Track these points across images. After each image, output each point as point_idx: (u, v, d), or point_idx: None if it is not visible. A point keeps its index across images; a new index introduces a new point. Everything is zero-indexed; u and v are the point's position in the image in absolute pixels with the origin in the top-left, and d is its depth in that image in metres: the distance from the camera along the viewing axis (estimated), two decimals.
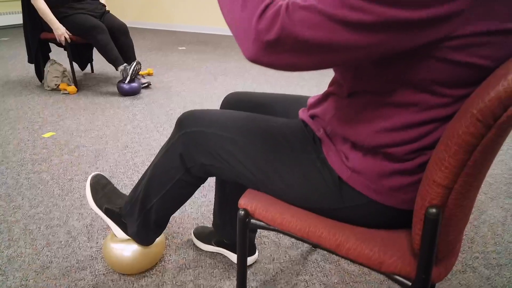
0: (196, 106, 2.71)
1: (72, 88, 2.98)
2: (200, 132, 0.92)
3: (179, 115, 2.42)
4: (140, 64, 2.89)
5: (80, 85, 3.20)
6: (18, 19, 5.90)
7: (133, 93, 2.93)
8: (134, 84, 2.92)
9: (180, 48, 4.72)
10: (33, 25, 2.97)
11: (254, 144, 0.85)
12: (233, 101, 1.14)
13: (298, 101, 1.06)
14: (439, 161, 0.60)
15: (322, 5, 0.57)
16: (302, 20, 0.58)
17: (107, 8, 3.15)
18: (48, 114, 2.56)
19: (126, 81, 2.87)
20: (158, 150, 1.30)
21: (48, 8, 2.82)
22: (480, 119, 0.53)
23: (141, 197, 1.05)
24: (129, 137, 2.22)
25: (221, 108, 1.16)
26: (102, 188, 1.20)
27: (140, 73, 3.43)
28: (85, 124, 2.39)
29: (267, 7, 0.61)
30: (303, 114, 0.89)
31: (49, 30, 2.92)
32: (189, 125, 0.95)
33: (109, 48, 2.86)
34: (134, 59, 3.09)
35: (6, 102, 2.76)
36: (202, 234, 1.34)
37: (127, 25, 6.45)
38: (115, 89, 3.08)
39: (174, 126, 2.33)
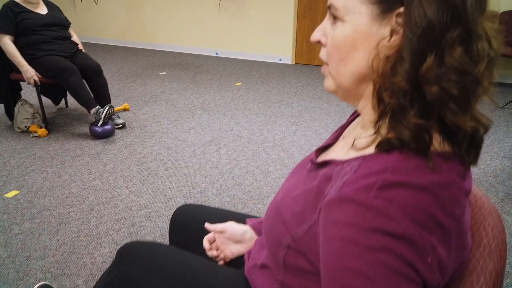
0: (169, 153, 2.65)
1: (43, 130, 2.89)
2: (137, 276, 0.87)
3: (151, 166, 2.37)
4: (113, 108, 2.82)
5: (52, 124, 3.11)
6: None
7: (106, 136, 2.86)
8: (107, 127, 2.84)
9: (161, 73, 4.64)
10: (1, 65, 2.88)
11: None
12: (183, 217, 1.09)
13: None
14: None
15: None
16: None
17: (80, 47, 3.06)
18: (15, 164, 2.47)
19: (99, 124, 2.79)
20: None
21: (16, 51, 2.74)
22: None
23: None
24: (95, 196, 2.15)
25: (171, 221, 1.10)
26: None
27: (116, 109, 3.35)
28: (51, 179, 2.31)
29: None
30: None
31: (19, 71, 2.83)
32: (129, 262, 0.90)
33: (80, 91, 2.78)
34: (108, 99, 3.02)
35: None
36: None
37: (111, 44, 6.34)
38: (88, 130, 3.00)
39: (142, 182, 2.29)
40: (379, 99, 0.54)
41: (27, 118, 2.95)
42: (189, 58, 5.50)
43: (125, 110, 3.42)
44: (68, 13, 6.47)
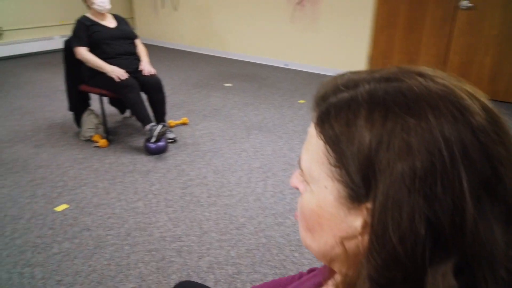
0: (216, 177, 2.58)
1: (104, 141, 3.01)
2: None
3: (195, 191, 2.32)
4: (167, 127, 2.84)
5: (113, 134, 3.24)
6: None
7: (159, 152, 2.89)
8: (161, 143, 2.87)
9: (226, 84, 4.64)
10: (73, 77, 3.06)
11: None
12: None
13: None
14: None
15: None
16: None
17: (144, 60, 3.10)
18: (72, 175, 2.60)
19: (151, 141, 2.83)
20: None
21: (95, 56, 2.84)
22: None
23: None
24: (135, 220, 2.15)
25: None
26: None
27: (175, 122, 3.39)
28: (100, 196, 2.38)
29: None
30: None
31: (88, 82, 2.98)
32: None
33: (138, 107, 2.84)
34: (164, 115, 3.06)
35: (39, 156, 2.86)
36: None
37: (186, 49, 6.55)
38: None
39: (182, 208, 2.25)
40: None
41: (91, 128, 3.10)
42: (257, 68, 5.44)
43: (183, 124, 3.45)
44: (150, 18, 6.83)
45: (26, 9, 5.88)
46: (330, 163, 0.38)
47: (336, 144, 0.37)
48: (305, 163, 0.41)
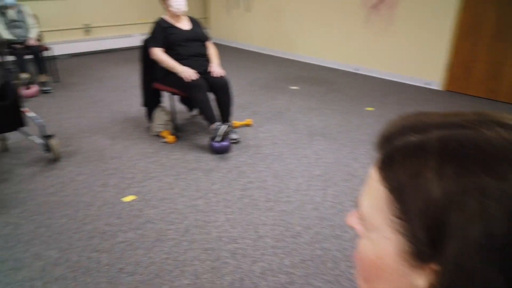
0: (275, 182, 2.58)
1: (172, 138, 3.15)
2: None
3: (253, 194, 2.33)
4: (231, 127, 2.89)
5: (181, 131, 3.37)
6: None
7: (222, 152, 2.95)
8: (225, 143, 2.93)
9: (292, 87, 4.62)
10: (148, 75, 3.23)
11: None
12: None
13: None
14: None
15: None
16: None
17: (215, 62, 3.19)
18: (140, 169, 2.75)
19: (216, 140, 2.90)
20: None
21: (168, 57, 2.99)
22: None
23: None
24: (194, 217, 2.22)
25: None
26: None
27: (239, 123, 3.45)
28: (164, 190, 2.49)
29: None
30: None
31: (161, 81, 3.14)
32: None
33: (205, 107, 2.93)
34: (229, 116, 3.11)
35: (113, 147, 3.06)
36: None
37: (257, 50, 6.63)
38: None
39: (240, 210, 2.27)
40: None
41: (161, 124, 3.25)
42: (326, 72, 5.34)
43: (247, 125, 3.49)
44: (223, 19, 7.02)
45: (110, 8, 6.35)
46: (392, 213, 0.34)
47: (400, 194, 0.34)
48: (365, 208, 0.37)
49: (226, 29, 7.04)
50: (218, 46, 3.50)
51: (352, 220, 0.42)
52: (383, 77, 5.11)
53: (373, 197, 0.36)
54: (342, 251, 1.96)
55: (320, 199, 2.40)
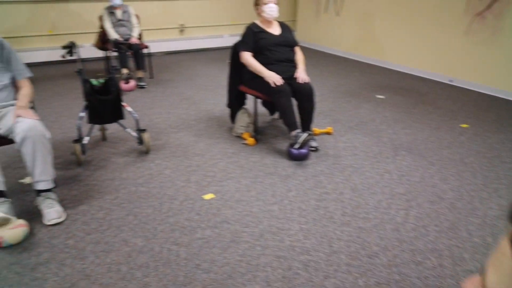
0: (353, 195, 2.49)
1: (252, 140, 3.21)
2: None
3: (329, 205, 2.29)
4: (312, 135, 2.86)
5: (261, 133, 3.43)
6: None
7: (301, 159, 2.94)
8: (304, 150, 2.92)
9: (378, 96, 4.43)
10: (235, 78, 3.34)
11: None
12: None
13: None
14: None
15: None
16: None
17: (300, 67, 3.18)
18: (220, 168, 2.85)
19: (295, 147, 2.89)
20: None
21: (256, 62, 3.07)
22: None
23: None
24: (269, 223, 2.24)
25: None
26: None
27: (319, 131, 3.41)
28: (241, 192, 2.55)
29: None
30: None
31: (247, 84, 3.22)
32: None
33: (287, 113, 2.93)
34: (310, 123, 3.08)
35: (197, 144, 3.22)
36: None
37: (344, 55, 6.49)
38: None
39: (314, 221, 2.24)
40: None
41: (243, 126, 3.34)
42: (416, 82, 5.04)
43: (327, 133, 3.43)
44: (311, 22, 6.97)
45: (203, 9, 6.66)
46: None
47: None
48: (492, 285, 0.34)
49: (313, 33, 6.98)
50: (304, 49, 3.49)
51: (471, 287, 0.39)
52: (481, 91, 4.67)
53: (505, 274, 0.33)
54: (422, 280, 1.83)
55: (401, 220, 2.27)
